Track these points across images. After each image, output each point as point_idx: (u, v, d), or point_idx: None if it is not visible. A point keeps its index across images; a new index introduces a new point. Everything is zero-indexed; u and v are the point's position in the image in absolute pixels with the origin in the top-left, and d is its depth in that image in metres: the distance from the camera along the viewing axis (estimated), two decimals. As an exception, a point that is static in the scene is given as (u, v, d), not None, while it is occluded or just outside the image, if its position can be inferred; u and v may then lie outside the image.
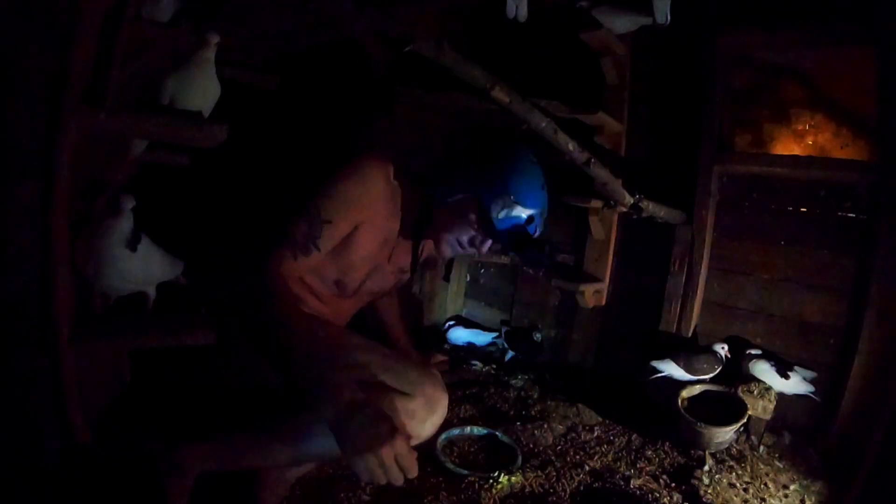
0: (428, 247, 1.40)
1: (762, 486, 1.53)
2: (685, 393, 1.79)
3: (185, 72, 1.12)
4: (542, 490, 1.43)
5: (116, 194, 1.07)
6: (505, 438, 1.67)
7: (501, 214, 1.23)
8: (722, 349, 1.86)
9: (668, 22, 1.66)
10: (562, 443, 1.71)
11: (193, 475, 1.11)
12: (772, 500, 1.47)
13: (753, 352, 1.83)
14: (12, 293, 0.94)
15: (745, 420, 1.69)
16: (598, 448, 1.68)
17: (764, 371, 1.76)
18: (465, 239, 1.29)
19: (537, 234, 1.30)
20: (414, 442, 1.27)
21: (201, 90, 1.14)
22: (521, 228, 1.26)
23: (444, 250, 1.33)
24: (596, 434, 1.78)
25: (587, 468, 1.55)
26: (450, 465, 1.48)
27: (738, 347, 1.89)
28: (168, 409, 1.32)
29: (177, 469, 1.09)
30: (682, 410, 1.73)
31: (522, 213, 1.24)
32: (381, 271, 1.34)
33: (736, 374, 1.84)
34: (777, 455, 1.71)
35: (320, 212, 1.15)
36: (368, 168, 1.22)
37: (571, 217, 2.33)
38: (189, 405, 1.32)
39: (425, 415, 1.25)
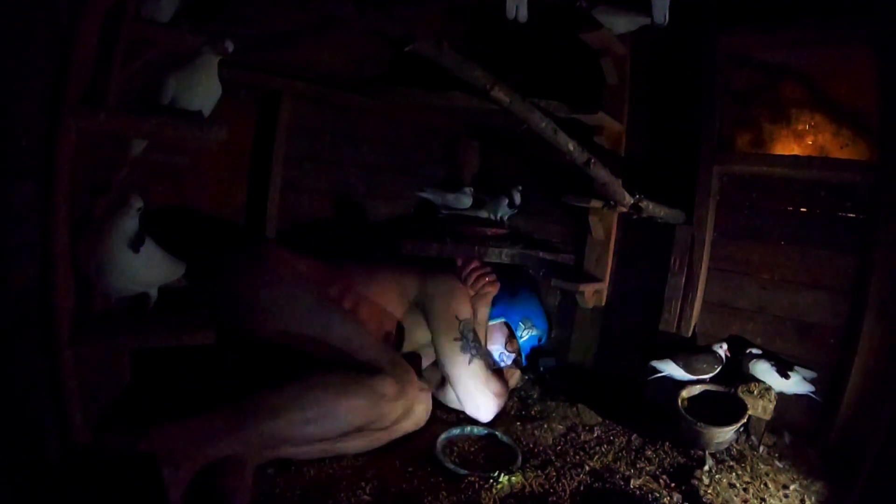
0: None
1: (762, 486, 1.53)
2: (685, 393, 1.79)
3: (188, 72, 1.12)
4: (542, 490, 1.43)
5: (124, 194, 1.07)
6: (505, 438, 1.67)
7: (524, 334, 2.14)
8: (722, 349, 1.85)
9: (666, 22, 1.66)
10: (562, 443, 1.71)
11: (192, 468, 1.11)
12: (772, 500, 1.47)
13: (753, 352, 1.83)
14: (12, 293, 0.94)
15: (745, 420, 1.69)
16: (598, 448, 1.68)
17: (764, 371, 1.76)
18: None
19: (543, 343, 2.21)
20: (382, 424, 1.44)
21: (203, 90, 1.14)
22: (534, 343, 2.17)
23: None
24: (596, 434, 1.79)
25: (587, 468, 1.55)
26: (450, 465, 1.48)
27: (738, 347, 1.89)
28: (168, 409, 1.32)
29: (173, 459, 1.10)
30: (682, 410, 1.73)
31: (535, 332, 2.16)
32: None
33: (736, 374, 1.83)
34: (777, 455, 1.71)
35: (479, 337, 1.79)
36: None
37: (571, 217, 2.32)
38: (189, 405, 1.32)
39: (397, 394, 1.43)
